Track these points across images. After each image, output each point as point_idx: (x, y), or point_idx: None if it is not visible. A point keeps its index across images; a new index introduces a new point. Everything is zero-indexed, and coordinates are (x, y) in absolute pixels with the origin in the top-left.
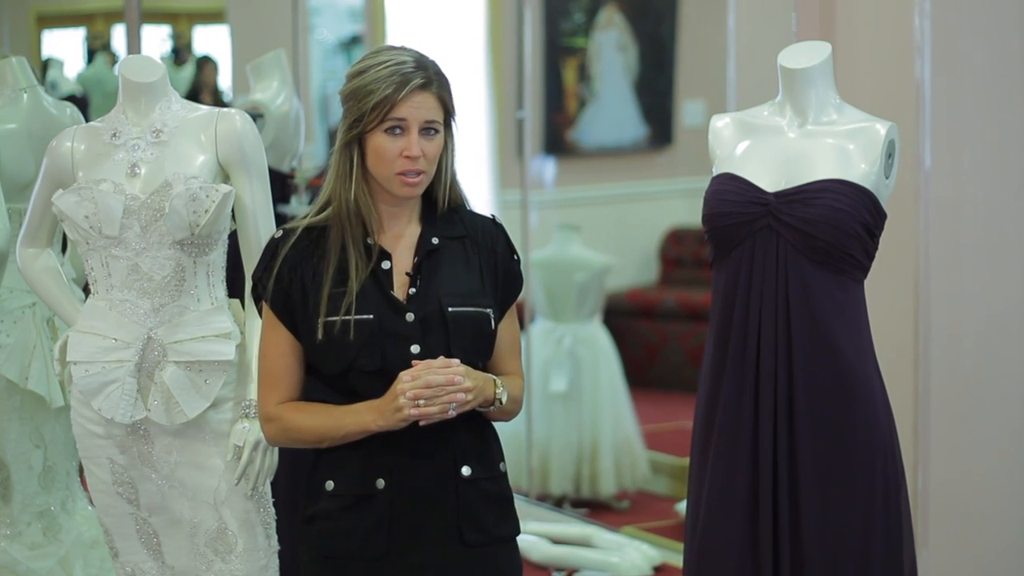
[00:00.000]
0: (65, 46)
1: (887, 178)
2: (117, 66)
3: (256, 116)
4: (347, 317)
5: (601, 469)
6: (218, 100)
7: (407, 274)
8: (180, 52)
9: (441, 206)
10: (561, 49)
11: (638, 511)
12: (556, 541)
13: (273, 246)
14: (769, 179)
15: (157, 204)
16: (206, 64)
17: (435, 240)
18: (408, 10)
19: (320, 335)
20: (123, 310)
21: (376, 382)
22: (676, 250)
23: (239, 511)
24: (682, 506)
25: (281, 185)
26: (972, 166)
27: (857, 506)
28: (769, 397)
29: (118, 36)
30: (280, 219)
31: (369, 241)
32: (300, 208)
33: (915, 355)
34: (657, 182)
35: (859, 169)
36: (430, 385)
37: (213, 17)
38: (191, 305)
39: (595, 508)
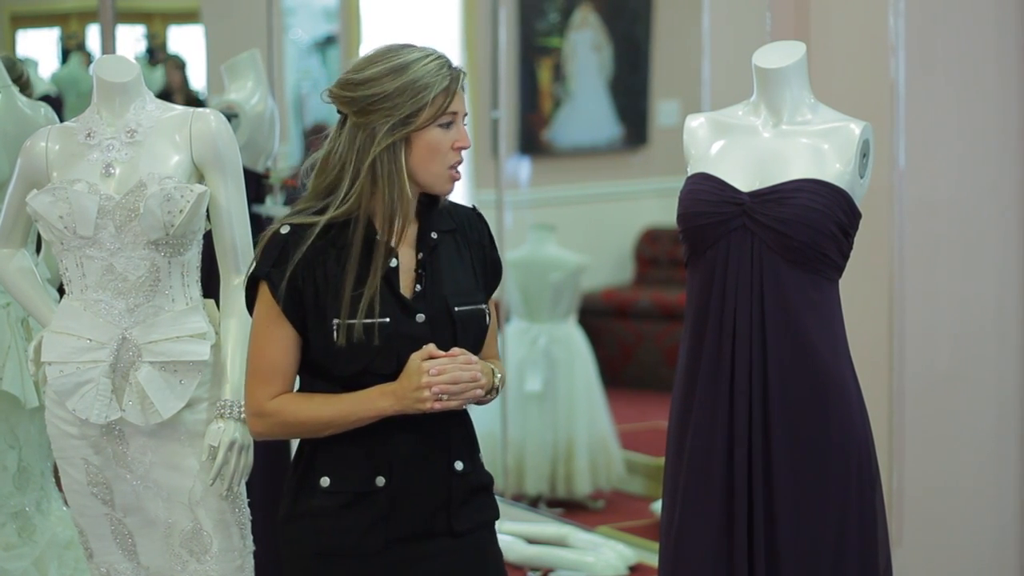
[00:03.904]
0: (39, 46)
1: (862, 178)
2: (92, 66)
3: (231, 116)
4: (366, 320)
5: (576, 469)
6: (191, 100)
7: (413, 271)
8: (155, 52)
9: (443, 200)
10: (536, 49)
11: (613, 511)
12: (531, 541)
13: (281, 242)
14: (744, 179)
15: (131, 204)
16: (171, 63)
17: (434, 235)
18: (383, 10)
19: (339, 338)
20: (98, 310)
21: (389, 382)
22: (651, 250)
23: (214, 511)
24: (657, 506)
25: (256, 185)
26: (946, 166)
27: (832, 505)
28: (744, 397)
29: (92, 36)
30: (255, 219)
31: (378, 238)
32: (275, 208)
33: (890, 355)
34: (632, 182)
35: (834, 169)
36: (457, 381)
37: (187, 17)
38: (166, 305)
39: (570, 508)
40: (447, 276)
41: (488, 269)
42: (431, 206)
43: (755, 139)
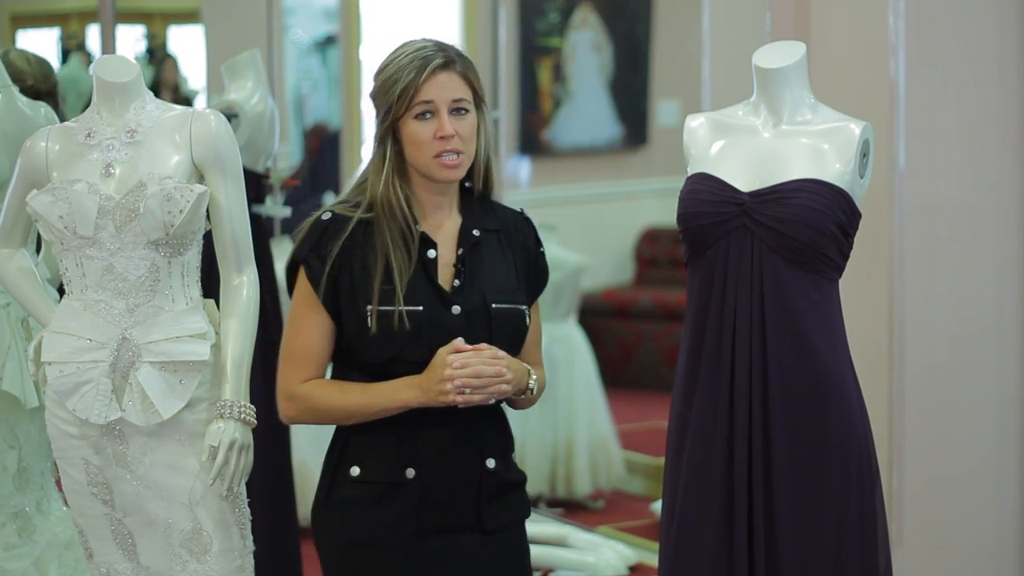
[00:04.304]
0: (39, 46)
1: (862, 178)
2: (91, 66)
3: (231, 116)
4: (398, 307)
5: (576, 469)
6: (178, 98)
7: (453, 265)
8: (155, 52)
9: (477, 188)
10: (536, 49)
11: (613, 511)
12: (531, 541)
13: (321, 228)
14: (744, 179)
15: (131, 204)
16: (166, 62)
17: (476, 232)
18: (383, 10)
19: (371, 325)
20: (97, 310)
21: (420, 372)
22: (651, 250)
23: (214, 511)
24: (657, 506)
25: (256, 185)
26: (947, 166)
27: (832, 505)
28: (744, 397)
29: (92, 36)
30: (255, 219)
31: (415, 229)
32: (275, 208)
33: (890, 354)
34: (632, 182)
35: (834, 169)
36: (480, 375)
37: (188, 17)
38: (166, 305)
39: (570, 508)
40: (488, 273)
41: (532, 273)
42: (476, 204)
43: (755, 139)
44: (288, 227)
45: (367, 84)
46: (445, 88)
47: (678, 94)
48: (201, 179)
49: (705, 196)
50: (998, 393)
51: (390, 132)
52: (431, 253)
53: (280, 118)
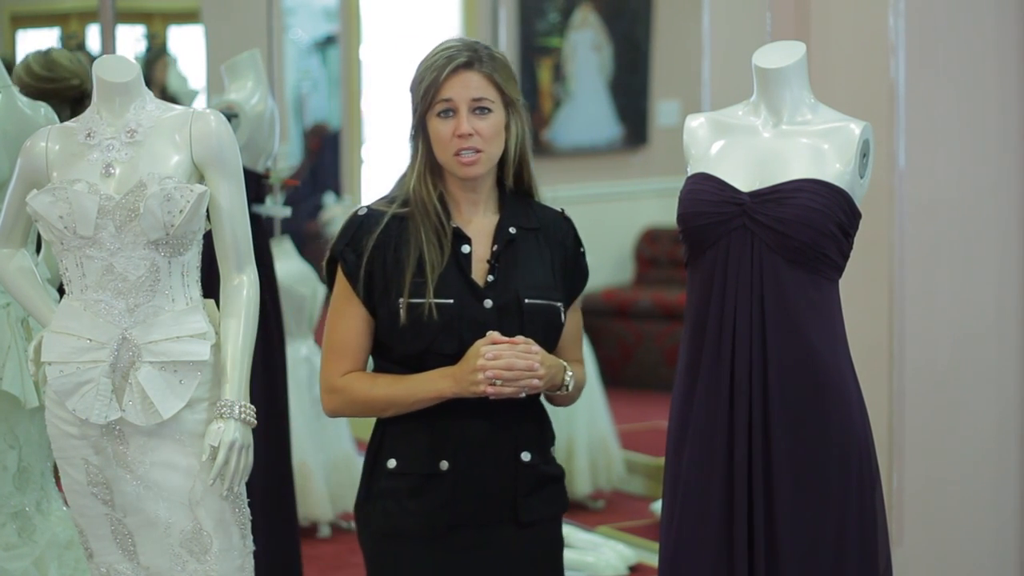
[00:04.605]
0: (39, 46)
1: (862, 178)
2: (92, 66)
3: (231, 116)
4: (429, 300)
5: (576, 469)
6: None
7: (487, 261)
8: (155, 52)
9: (509, 186)
10: (536, 49)
11: (613, 511)
12: None
13: (357, 223)
14: (744, 179)
15: (131, 204)
16: (158, 61)
17: (512, 230)
18: (383, 10)
19: (402, 317)
20: (97, 310)
21: (452, 364)
22: (651, 250)
23: (214, 511)
24: (657, 506)
25: (256, 185)
26: (947, 166)
27: (832, 505)
28: (744, 397)
29: (93, 36)
30: (254, 219)
31: (449, 224)
32: (275, 208)
33: (890, 354)
34: (632, 182)
35: (834, 169)
36: (511, 368)
37: (188, 17)
38: (166, 305)
39: (570, 508)
40: (523, 270)
41: (570, 272)
42: (514, 202)
43: (755, 139)
44: (288, 227)
45: (367, 84)
46: (466, 87)
47: (678, 94)
48: (201, 179)
49: (705, 196)
50: (998, 393)
51: (421, 129)
52: (465, 248)
53: (280, 118)
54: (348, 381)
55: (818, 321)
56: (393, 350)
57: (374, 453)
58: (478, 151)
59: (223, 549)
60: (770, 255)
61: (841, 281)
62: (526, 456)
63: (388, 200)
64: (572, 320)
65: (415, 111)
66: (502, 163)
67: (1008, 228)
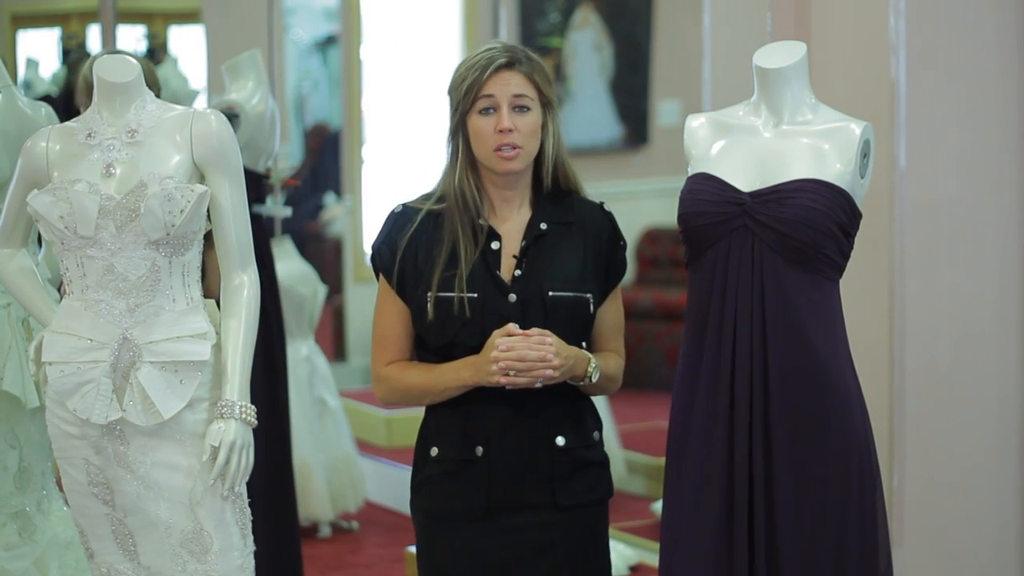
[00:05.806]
0: (39, 46)
1: (862, 178)
2: (92, 65)
3: (231, 116)
4: (454, 294)
5: None
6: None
7: (514, 256)
8: (155, 52)
9: (546, 185)
10: (537, 49)
11: (614, 511)
12: None
13: (392, 220)
14: (744, 179)
15: (132, 204)
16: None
17: (543, 225)
18: (384, 10)
19: (429, 311)
20: (98, 310)
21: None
22: (652, 250)
23: (215, 512)
24: (657, 506)
25: (256, 185)
26: (947, 166)
27: (832, 504)
28: (744, 397)
29: (93, 36)
30: (255, 219)
31: (481, 222)
32: (275, 208)
33: (890, 354)
34: (632, 182)
35: (834, 169)
36: (523, 359)
37: (188, 17)
38: (166, 305)
39: None
40: (551, 264)
41: (605, 264)
42: (549, 199)
43: (756, 139)
44: (288, 227)
45: (368, 84)
46: (507, 85)
47: (678, 94)
48: (202, 179)
49: (706, 196)
50: (998, 393)
51: (460, 127)
52: (494, 245)
53: (280, 118)
54: (391, 371)
55: (819, 321)
56: (428, 341)
57: (422, 441)
58: (517, 147)
59: (223, 549)
60: (771, 255)
61: (841, 281)
62: (561, 441)
63: (424, 197)
64: (609, 311)
65: (455, 111)
66: (539, 163)
67: (1008, 228)
